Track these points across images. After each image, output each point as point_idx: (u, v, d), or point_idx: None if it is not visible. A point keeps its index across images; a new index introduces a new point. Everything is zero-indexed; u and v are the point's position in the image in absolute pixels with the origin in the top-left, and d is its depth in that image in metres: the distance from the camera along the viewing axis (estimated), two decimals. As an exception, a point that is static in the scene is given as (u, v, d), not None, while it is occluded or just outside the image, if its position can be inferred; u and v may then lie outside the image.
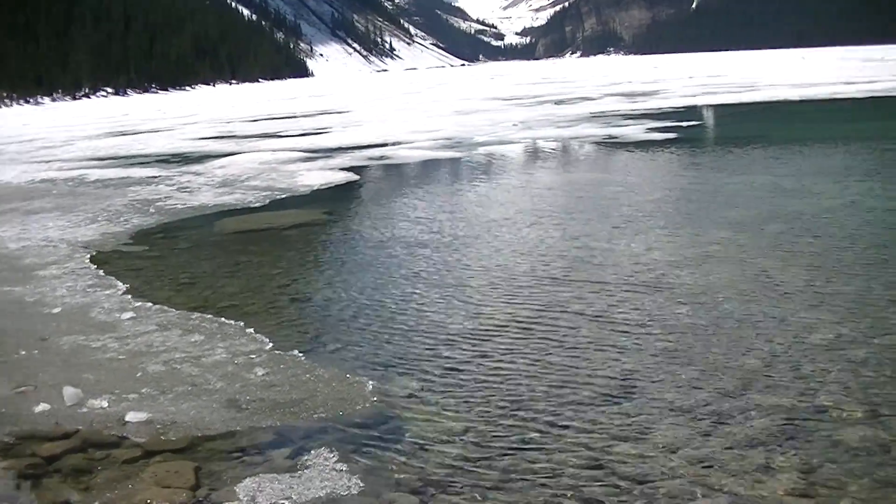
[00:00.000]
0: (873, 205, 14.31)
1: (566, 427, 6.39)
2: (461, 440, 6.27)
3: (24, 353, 8.37)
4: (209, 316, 9.41)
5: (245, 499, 5.48)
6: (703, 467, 5.69)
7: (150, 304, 9.97)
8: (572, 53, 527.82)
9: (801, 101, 42.41)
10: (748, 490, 5.38)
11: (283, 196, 18.39)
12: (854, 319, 8.41)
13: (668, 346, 7.99)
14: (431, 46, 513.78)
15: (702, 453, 5.87)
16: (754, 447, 5.92)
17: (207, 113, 58.25)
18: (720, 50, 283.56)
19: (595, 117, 36.55)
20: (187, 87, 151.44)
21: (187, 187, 20.05)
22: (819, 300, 9.09)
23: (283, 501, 5.45)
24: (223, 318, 9.28)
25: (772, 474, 5.56)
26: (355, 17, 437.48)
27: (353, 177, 21.29)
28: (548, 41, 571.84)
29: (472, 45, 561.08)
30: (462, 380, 7.42)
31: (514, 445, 6.15)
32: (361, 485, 5.65)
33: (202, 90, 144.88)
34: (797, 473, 5.54)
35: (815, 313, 8.65)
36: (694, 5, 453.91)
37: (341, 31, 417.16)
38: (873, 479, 5.43)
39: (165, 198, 18.40)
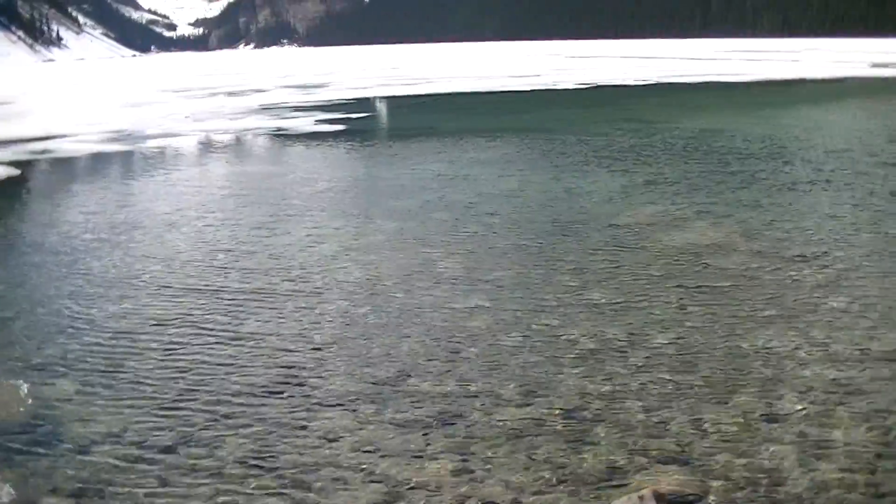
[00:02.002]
0: (531, 193, 15.02)
1: (228, 422, 6.30)
2: (121, 440, 6.05)
3: None
4: None
5: None
6: (364, 454, 5.76)
7: None
8: (246, 45, 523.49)
9: (472, 94, 43.84)
10: (407, 473, 5.50)
11: (-67, 193, 17.33)
12: (510, 304, 8.77)
13: (331, 336, 8.03)
14: (102, 36, 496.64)
15: (362, 440, 5.94)
16: (413, 432, 6.05)
17: None
18: (396, 42, 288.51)
19: (266, 109, 36.39)
20: None
21: None
22: (478, 287, 9.42)
23: (-79, 518, 5.17)
24: None
25: (430, 457, 5.70)
26: (19, 3, 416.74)
27: (13, 172, 20.20)
28: (221, 32, 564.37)
29: (144, 36, 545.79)
30: (122, 379, 7.16)
31: (176, 443, 6.00)
32: (13, 493, 5.37)
33: None
34: (454, 455, 5.71)
35: (474, 299, 8.94)
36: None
37: (3, 17, 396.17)
38: (526, 457, 5.67)
39: None
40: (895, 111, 30.35)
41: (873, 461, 5.50)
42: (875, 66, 66.95)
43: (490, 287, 9.40)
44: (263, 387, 6.95)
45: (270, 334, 8.18)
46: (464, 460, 5.67)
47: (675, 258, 10.40)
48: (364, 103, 39.50)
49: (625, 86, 48.50)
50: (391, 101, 42.07)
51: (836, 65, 69.54)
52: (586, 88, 46.55)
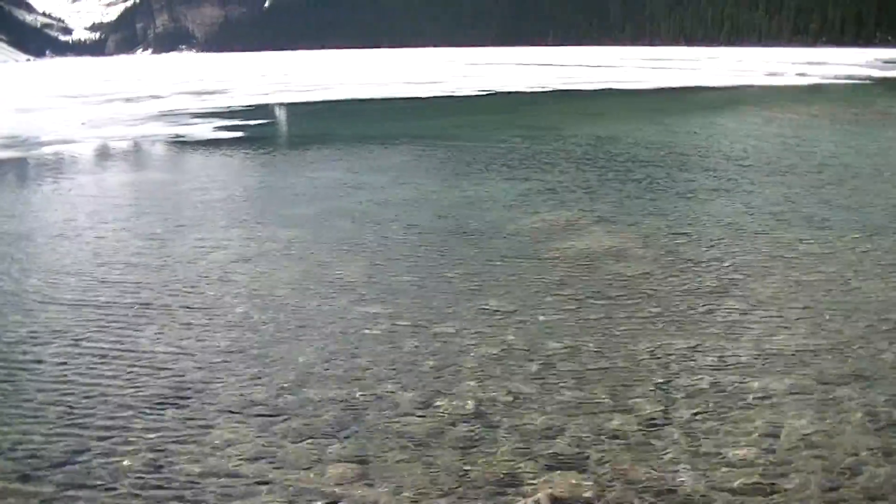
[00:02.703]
0: (430, 200, 15.07)
1: (126, 431, 6.20)
2: (14, 453, 5.93)
3: None
4: None
5: None
6: (262, 462, 5.72)
7: None
8: (144, 50, 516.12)
9: (371, 100, 43.83)
10: (305, 482, 5.47)
11: None
12: (409, 311, 8.77)
13: (229, 343, 7.96)
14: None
15: (260, 449, 5.90)
16: (311, 439, 6.02)
17: None
18: (295, 48, 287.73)
19: (164, 116, 35.84)
20: None
21: None
22: (376, 293, 9.41)
23: None
24: None
25: (328, 465, 5.68)
26: None
27: None
28: (118, 37, 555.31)
29: (38, 40, 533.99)
30: (13, 390, 7.02)
31: (72, 454, 5.88)
32: None
33: None
34: (353, 462, 5.69)
35: (373, 306, 8.93)
36: (267, 4, 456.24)
37: None
38: (425, 464, 5.68)
39: None
40: (788, 119, 31.01)
41: (767, 465, 5.61)
42: (769, 74, 68.62)
43: (388, 294, 9.39)
44: (160, 397, 6.83)
45: (167, 345, 8.04)
46: (362, 467, 5.65)
47: (573, 264, 10.50)
48: (262, 110, 39.21)
49: (524, 92, 48.94)
50: (289, 107, 41.85)
51: (733, 73, 71.09)
52: (485, 95, 46.90)
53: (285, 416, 6.41)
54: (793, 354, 7.47)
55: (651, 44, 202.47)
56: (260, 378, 7.15)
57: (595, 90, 50.19)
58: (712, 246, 11.30)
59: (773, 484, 5.37)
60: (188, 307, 9.14)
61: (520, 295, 9.27)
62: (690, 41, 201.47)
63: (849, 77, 66.00)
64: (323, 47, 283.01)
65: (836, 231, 12.02)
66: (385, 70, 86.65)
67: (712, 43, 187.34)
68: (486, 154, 21.44)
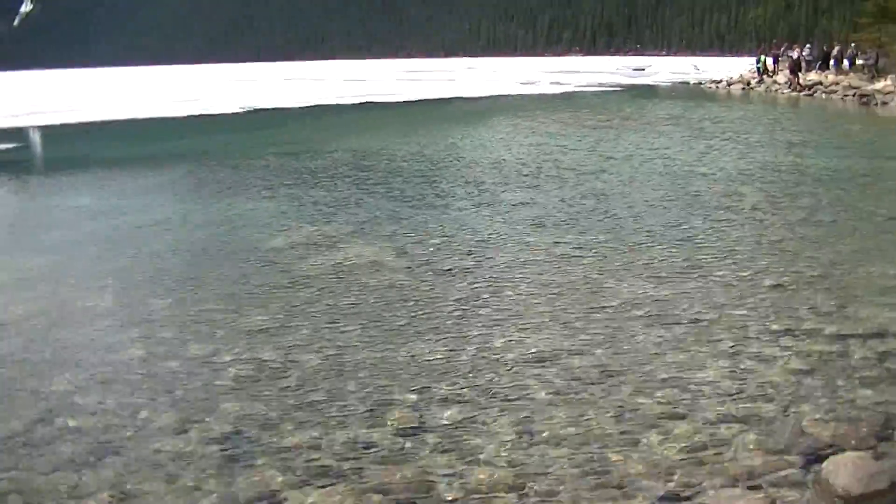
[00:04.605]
0: (185, 222, 14.94)
1: None
2: None
3: None
4: None
5: None
6: (15, 496, 5.58)
7: None
8: None
9: (125, 121, 42.76)
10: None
11: None
12: (163, 334, 8.68)
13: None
14: None
15: (12, 482, 5.75)
16: (64, 471, 5.90)
17: None
18: (49, 68, 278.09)
19: None
20: None
21: None
22: (130, 319, 9.26)
23: None
24: None
25: (85, 496, 5.57)
26: None
27: None
28: None
29: None
30: None
31: None
32: None
33: None
34: (109, 490, 5.61)
35: (127, 332, 8.78)
36: (17, 22, 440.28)
37: None
38: (182, 486, 5.65)
39: None
40: (541, 127, 32.03)
41: (521, 464, 5.82)
42: (524, 84, 70.69)
43: (142, 319, 9.26)
44: None
45: None
46: (120, 496, 5.57)
47: (330, 278, 10.63)
48: (11, 134, 37.59)
49: (284, 108, 48.90)
50: (41, 130, 40.30)
51: (489, 83, 72.88)
52: (245, 112, 46.59)
53: (39, 448, 6.26)
54: (544, 354, 7.78)
55: (409, 56, 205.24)
56: (12, 411, 6.95)
57: (354, 104, 50.60)
58: (468, 254, 11.61)
59: (527, 482, 5.57)
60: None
61: (276, 312, 9.30)
62: (449, 53, 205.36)
63: (599, 84, 68.88)
64: (80, 66, 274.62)
65: (585, 234, 12.55)
66: (144, 89, 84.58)
67: (471, 54, 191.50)
68: (243, 173, 21.39)
